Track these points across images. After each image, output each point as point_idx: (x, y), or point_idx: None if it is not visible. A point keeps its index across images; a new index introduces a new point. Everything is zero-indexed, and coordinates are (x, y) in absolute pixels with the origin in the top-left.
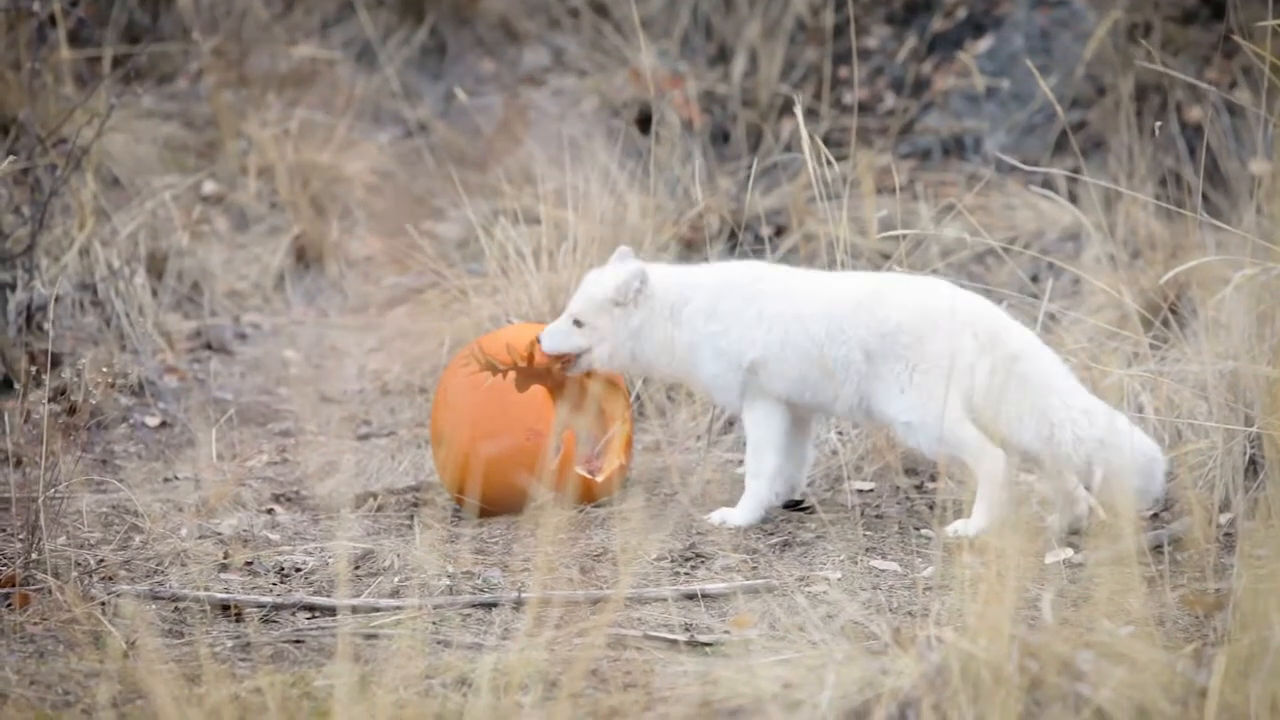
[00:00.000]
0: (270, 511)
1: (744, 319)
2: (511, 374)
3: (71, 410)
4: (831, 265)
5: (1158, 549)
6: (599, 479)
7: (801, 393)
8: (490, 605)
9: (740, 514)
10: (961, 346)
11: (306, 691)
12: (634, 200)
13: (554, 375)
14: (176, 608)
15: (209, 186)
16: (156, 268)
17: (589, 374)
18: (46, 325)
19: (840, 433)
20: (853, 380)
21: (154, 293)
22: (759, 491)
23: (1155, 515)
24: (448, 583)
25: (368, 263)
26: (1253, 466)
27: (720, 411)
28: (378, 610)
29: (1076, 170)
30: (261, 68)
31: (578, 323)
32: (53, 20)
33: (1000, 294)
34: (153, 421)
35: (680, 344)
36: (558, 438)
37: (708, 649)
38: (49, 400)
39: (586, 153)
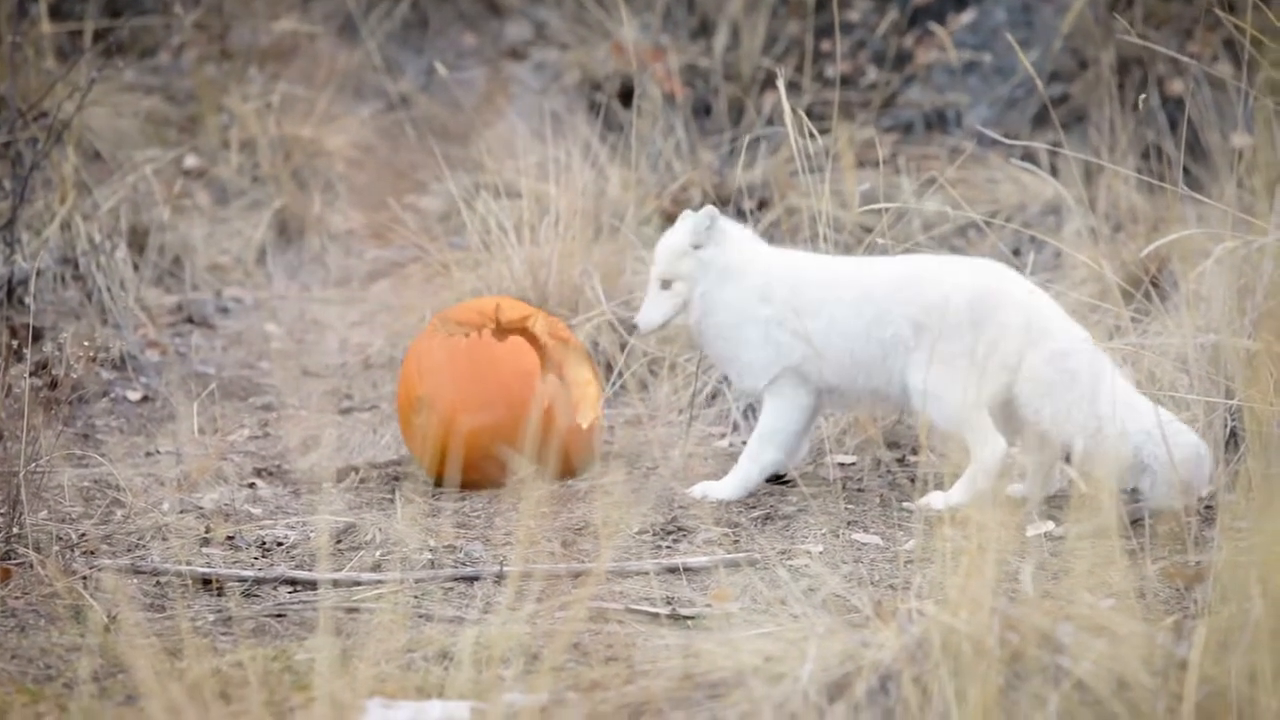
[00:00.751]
0: (252, 486)
1: (798, 310)
2: (487, 331)
3: (53, 384)
4: (814, 239)
5: (1138, 522)
6: (584, 425)
7: (854, 378)
8: (472, 579)
9: (723, 489)
10: (1011, 334)
11: (288, 665)
12: (615, 174)
13: (524, 336)
14: (158, 582)
15: (190, 160)
16: (138, 242)
17: (544, 337)
18: (27, 299)
19: None
20: (900, 358)
21: (135, 267)
22: (749, 474)
23: (1135, 489)
24: (429, 556)
25: (349, 237)
26: (1233, 439)
27: (702, 386)
28: (359, 584)
29: (1058, 144)
30: (243, 41)
31: (665, 284)
32: None
33: None
34: (134, 396)
35: (730, 309)
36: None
37: (689, 622)
38: (30, 374)
39: (568, 126)
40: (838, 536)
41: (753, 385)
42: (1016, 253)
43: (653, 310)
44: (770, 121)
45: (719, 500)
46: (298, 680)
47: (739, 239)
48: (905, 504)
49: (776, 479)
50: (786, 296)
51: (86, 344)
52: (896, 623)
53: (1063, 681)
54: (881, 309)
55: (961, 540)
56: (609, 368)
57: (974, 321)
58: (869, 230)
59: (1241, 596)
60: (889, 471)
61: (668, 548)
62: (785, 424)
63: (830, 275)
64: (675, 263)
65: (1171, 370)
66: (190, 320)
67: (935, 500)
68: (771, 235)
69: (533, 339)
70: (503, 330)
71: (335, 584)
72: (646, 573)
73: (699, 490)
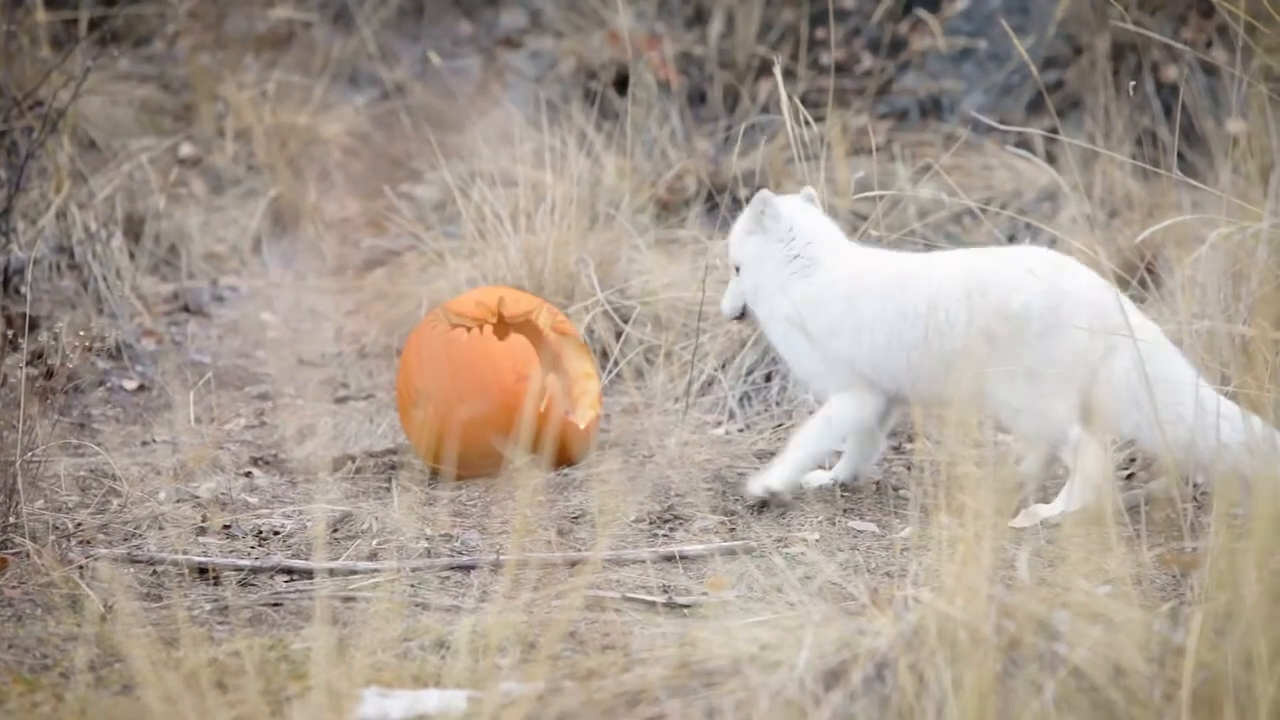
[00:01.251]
0: (248, 474)
1: (848, 325)
2: (488, 327)
3: (49, 374)
4: None
5: (1134, 509)
6: (581, 425)
7: (914, 384)
8: (468, 568)
9: (768, 477)
10: (1090, 342)
11: (284, 654)
12: (611, 162)
13: (526, 329)
14: (154, 571)
15: (186, 149)
16: (133, 230)
17: (552, 331)
18: (23, 288)
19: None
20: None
21: (131, 255)
22: (797, 462)
23: (1131, 475)
24: (425, 545)
25: (345, 225)
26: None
27: (699, 373)
28: (355, 573)
29: (1053, 130)
30: (238, 29)
31: (736, 269)
32: None
33: None
34: (130, 385)
35: (785, 316)
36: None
37: (686, 610)
38: (26, 363)
39: (564, 114)
40: (834, 524)
41: (816, 389)
42: (1012, 239)
43: (726, 297)
44: (765, 109)
45: (766, 489)
46: (294, 669)
47: (808, 232)
48: (901, 491)
49: None
50: (843, 311)
51: (82, 333)
52: (892, 610)
53: (1059, 668)
54: (949, 317)
55: (957, 528)
56: (605, 355)
57: (1051, 328)
58: (864, 218)
59: (1237, 582)
60: (885, 459)
61: (664, 536)
62: (843, 424)
63: (891, 284)
64: (738, 249)
65: None
66: (186, 309)
67: (1042, 510)
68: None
69: (536, 332)
70: (505, 325)
71: (332, 573)
72: (643, 561)
73: (753, 484)
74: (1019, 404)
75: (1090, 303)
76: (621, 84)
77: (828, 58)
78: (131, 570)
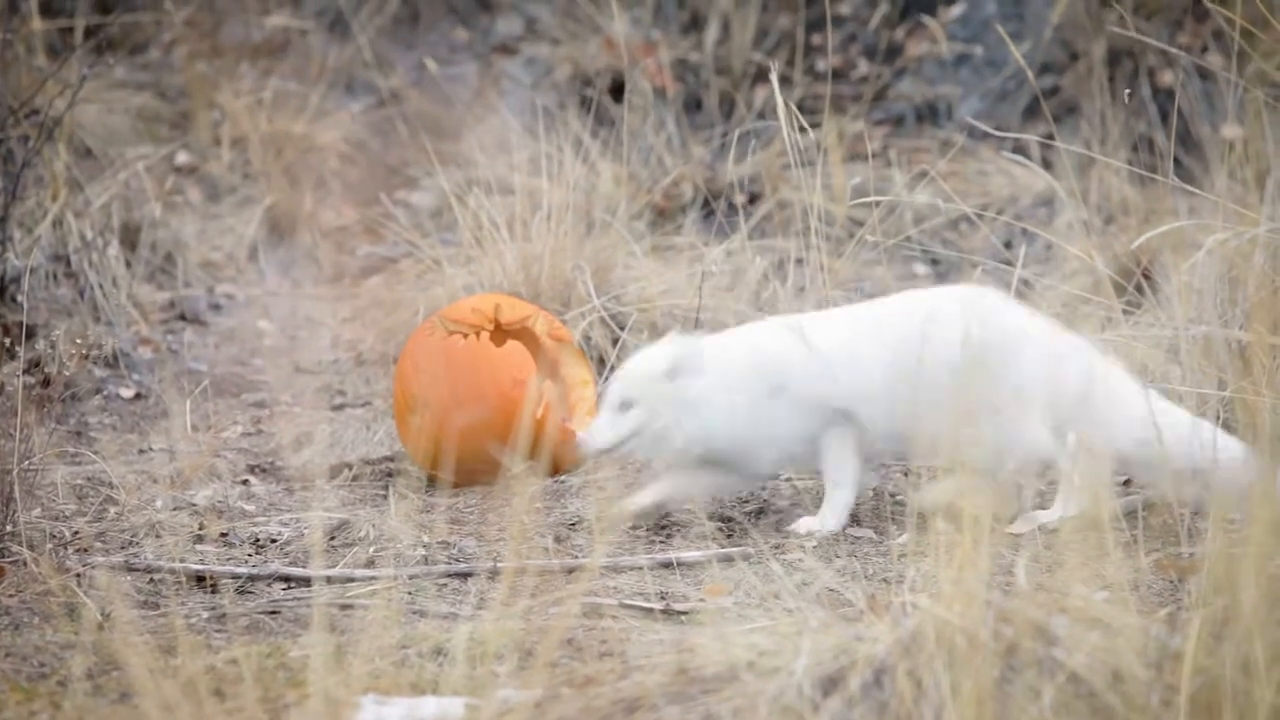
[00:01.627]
0: (245, 482)
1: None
2: (485, 334)
3: (45, 382)
4: (805, 233)
5: (1131, 514)
6: (579, 431)
7: (891, 432)
8: (465, 575)
9: (825, 521)
10: (1044, 362)
11: (282, 662)
12: (607, 169)
13: (523, 336)
14: (151, 579)
15: (182, 157)
16: (130, 239)
17: (550, 337)
18: (20, 297)
19: None
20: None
21: (127, 264)
22: (845, 499)
23: (1128, 481)
24: (423, 553)
25: (341, 233)
26: (1225, 430)
27: None
28: (353, 580)
29: (1049, 136)
30: (234, 37)
31: (625, 405)
32: None
33: (974, 261)
34: (127, 393)
35: (743, 410)
36: (535, 400)
37: (683, 617)
38: (23, 372)
39: (560, 121)
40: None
41: (799, 458)
42: (1008, 245)
43: (605, 430)
44: (761, 115)
45: (827, 534)
46: (292, 677)
47: (729, 353)
48: (899, 497)
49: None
50: (804, 366)
51: (79, 341)
52: (890, 616)
53: (1057, 674)
54: (916, 357)
55: (955, 533)
56: (601, 362)
57: (1014, 354)
58: (860, 224)
59: (1235, 587)
60: (882, 465)
61: (661, 542)
62: (854, 456)
63: (837, 338)
64: (642, 389)
65: (1163, 362)
66: (182, 317)
67: (1039, 515)
68: (764, 229)
69: (533, 339)
70: (502, 332)
71: (329, 580)
72: (640, 568)
73: (803, 527)
74: (997, 441)
75: (1026, 325)
76: (617, 91)
77: (824, 64)
78: (129, 578)
